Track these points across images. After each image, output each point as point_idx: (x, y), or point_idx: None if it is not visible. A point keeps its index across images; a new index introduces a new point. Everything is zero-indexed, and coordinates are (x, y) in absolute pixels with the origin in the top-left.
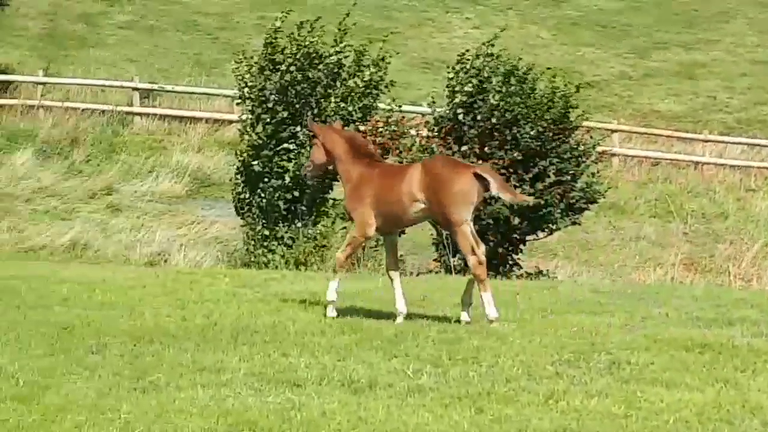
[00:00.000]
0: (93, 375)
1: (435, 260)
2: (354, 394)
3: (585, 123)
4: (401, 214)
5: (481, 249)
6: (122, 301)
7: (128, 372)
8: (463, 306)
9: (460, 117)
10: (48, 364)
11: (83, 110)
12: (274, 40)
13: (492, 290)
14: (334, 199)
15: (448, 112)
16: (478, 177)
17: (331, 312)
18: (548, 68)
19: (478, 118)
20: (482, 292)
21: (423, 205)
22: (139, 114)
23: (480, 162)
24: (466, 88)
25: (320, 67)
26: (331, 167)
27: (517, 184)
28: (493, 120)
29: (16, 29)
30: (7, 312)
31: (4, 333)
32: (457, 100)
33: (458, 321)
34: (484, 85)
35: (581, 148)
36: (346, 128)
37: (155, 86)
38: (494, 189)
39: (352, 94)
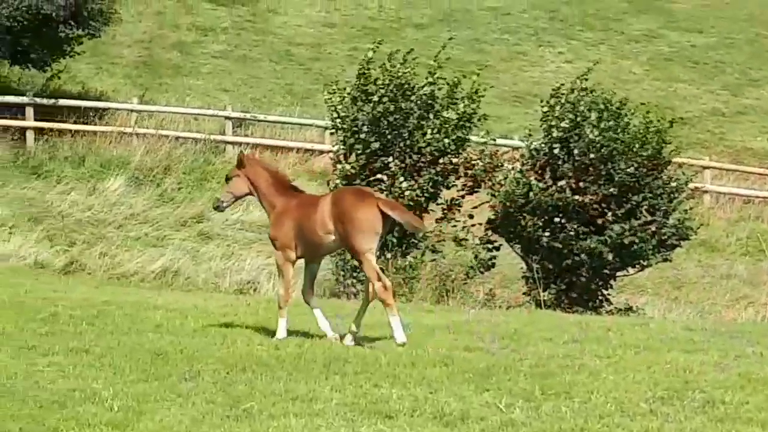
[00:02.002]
0: (186, 402)
1: (524, 294)
2: (446, 426)
3: (677, 159)
4: (318, 242)
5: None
6: (214, 328)
7: (221, 399)
8: (352, 329)
9: (556, 151)
10: (142, 390)
11: (176, 138)
12: (366, 71)
13: (399, 314)
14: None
15: (543, 146)
16: (383, 211)
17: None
18: (642, 104)
19: (575, 152)
20: (390, 316)
21: (333, 236)
22: (232, 143)
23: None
24: (563, 124)
25: (413, 98)
26: (247, 196)
27: (611, 220)
28: (591, 155)
29: (111, 57)
30: (101, 337)
31: (98, 358)
32: (554, 135)
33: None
34: (578, 119)
35: (673, 183)
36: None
37: (248, 115)
38: (398, 218)
39: (446, 126)
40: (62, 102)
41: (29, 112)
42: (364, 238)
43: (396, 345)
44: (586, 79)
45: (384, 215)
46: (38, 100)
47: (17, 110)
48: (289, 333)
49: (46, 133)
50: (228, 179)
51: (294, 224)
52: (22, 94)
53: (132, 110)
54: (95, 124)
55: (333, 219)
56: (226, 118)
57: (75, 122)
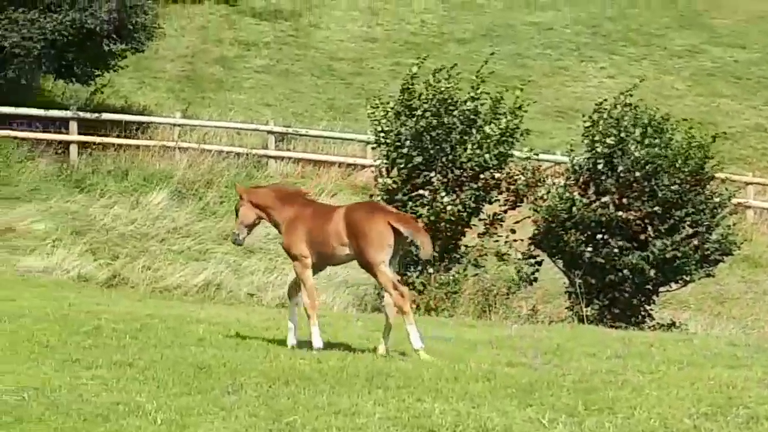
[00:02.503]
0: (229, 415)
1: (567, 309)
2: None
3: (719, 174)
4: (330, 253)
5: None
6: (257, 342)
7: (264, 413)
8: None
9: (600, 167)
10: (185, 404)
11: (219, 152)
12: (410, 86)
13: (415, 322)
14: (466, 246)
15: (587, 161)
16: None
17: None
18: (684, 119)
19: (619, 169)
20: (407, 324)
21: (347, 250)
22: (274, 157)
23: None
24: (608, 140)
25: (455, 113)
26: (258, 223)
27: (654, 235)
28: (636, 173)
29: (154, 71)
30: (144, 351)
31: (141, 371)
32: (598, 151)
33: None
34: (622, 135)
35: (716, 199)
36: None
37: (290, 130)
38: (409, 235)
39: (488, 141)
40: (105, 116)
41: (73, 126)
42: (376, 252)
43: (414, 351)
44: (631, 95)
45: (395, 230)
46: (82, 114)
47: (61, 124)
48: (332, 346)
49: (89, 147)
50: (237, 211)
51: (307, 231)
52: (66, 108)
53: (175, 124)
54: (138, 138)
55: (346, 233)
56: (269, 132)
57: (118, 136)
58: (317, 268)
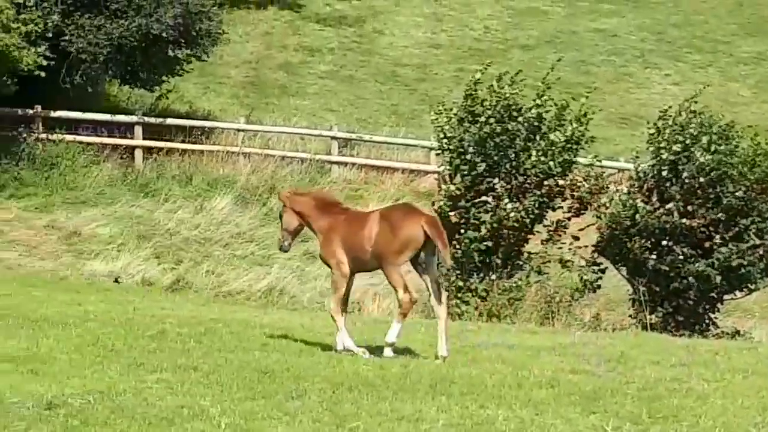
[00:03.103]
0: (293, 420)
1: (631, 316)
2: None
3: None
4: (365, 259)
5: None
6: (320, 347)
7: (328, 419)
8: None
9: (665, 174)
10: (249, 408)
11: (282, 158)
12: (474, 92)
13: (402, 325)
14: (530, 253)
15: (651, 168)
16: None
17: (364, 353)
18: (749, 126)
19: (684, 175)
20: (395, 321)
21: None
22: (337, 163)
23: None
24: (674, 148)
25: (519, 119)
26: (302, 229)
27: (719, 243)
28: (701, 179)
29: (218, 77)
30: (208, 355)
31: (206, 375)
32: (664, 157)
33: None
34: (687, 142)
35: None
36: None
37: (353, 136)
38: (432, 237)
39: (553, 148)
40: (170, 121)
41: (138, 131)
42: (398, 253)
43: (384, 342)
44: (696, 102)
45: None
46: (147, 119)
47: (126, 129)
48: (395, 352)
49: (154, 152)
50: (281, 217)
51: (342, 240)
52: (131, 114)
53: (239, 130)
54: (202, 144)
55: (379, 233)
56: (332, 138)
57: (182, 141)
58: (351, 274)
